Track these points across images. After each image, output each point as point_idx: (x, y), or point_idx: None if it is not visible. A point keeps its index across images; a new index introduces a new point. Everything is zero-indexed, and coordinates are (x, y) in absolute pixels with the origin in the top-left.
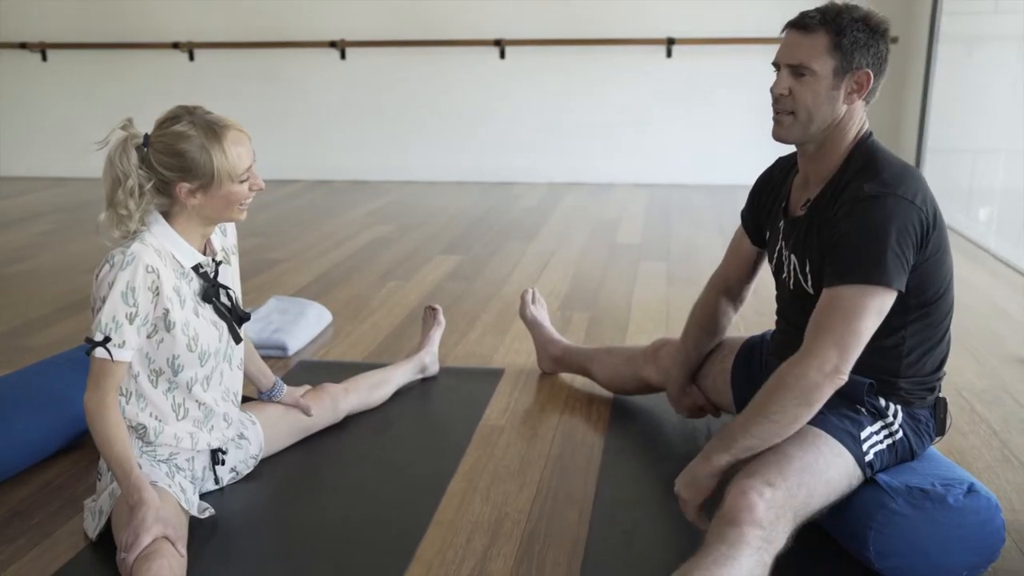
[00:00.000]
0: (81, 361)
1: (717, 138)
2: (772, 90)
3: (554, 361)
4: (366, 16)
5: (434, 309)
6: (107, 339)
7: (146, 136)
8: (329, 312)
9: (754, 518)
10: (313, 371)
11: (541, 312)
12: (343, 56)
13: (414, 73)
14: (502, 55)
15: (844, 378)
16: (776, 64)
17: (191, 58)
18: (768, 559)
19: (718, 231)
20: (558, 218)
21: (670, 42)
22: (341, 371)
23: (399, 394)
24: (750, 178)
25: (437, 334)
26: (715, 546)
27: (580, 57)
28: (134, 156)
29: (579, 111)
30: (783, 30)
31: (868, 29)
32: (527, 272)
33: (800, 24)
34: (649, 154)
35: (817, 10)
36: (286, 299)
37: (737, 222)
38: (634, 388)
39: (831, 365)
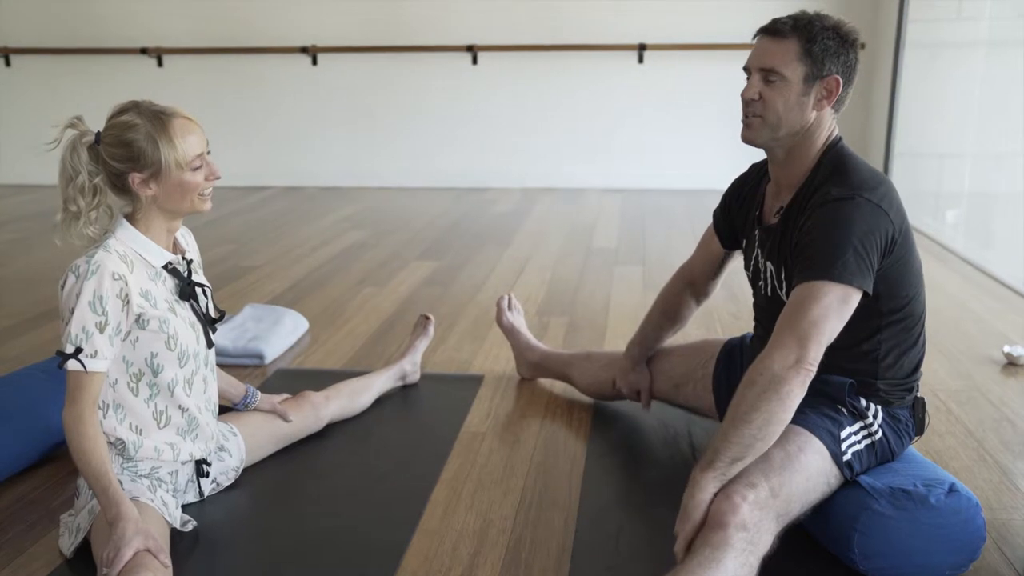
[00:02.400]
0: (54, 372)
1: (689, 143)
2: (743, 94)
3: (533, 367)
4: (337, 22)
5: (427, 318)
6: (78, 350)
7: (97, 133)
8: (305, 319)
9: (738, 520)
10: (291, 379)
11: (518, 318)
12: (314, 62)
13: (386, 79)
14: (474, 61)
15: (810, 369)
16: (747, 69)
17: (159, 64)
18: (754, 561)
19: (692, 235)
20: (533, 223)
21: (642, 48)
22: (319, 379)
23: (380, 401)
24: (722, 182)
25: (423, 344)
26: (700, 550)
27: (552, 63)
28: (84, 154)
29: (552, 117)
30: (755, 36)
31: (839, 37)
32: (503, 278)
33: (772, 30)
34: (621, 159)
35: (789, 17)
36: (261, 307)
37: (706, 226)
38: (613, 394)
39: (793, 356)
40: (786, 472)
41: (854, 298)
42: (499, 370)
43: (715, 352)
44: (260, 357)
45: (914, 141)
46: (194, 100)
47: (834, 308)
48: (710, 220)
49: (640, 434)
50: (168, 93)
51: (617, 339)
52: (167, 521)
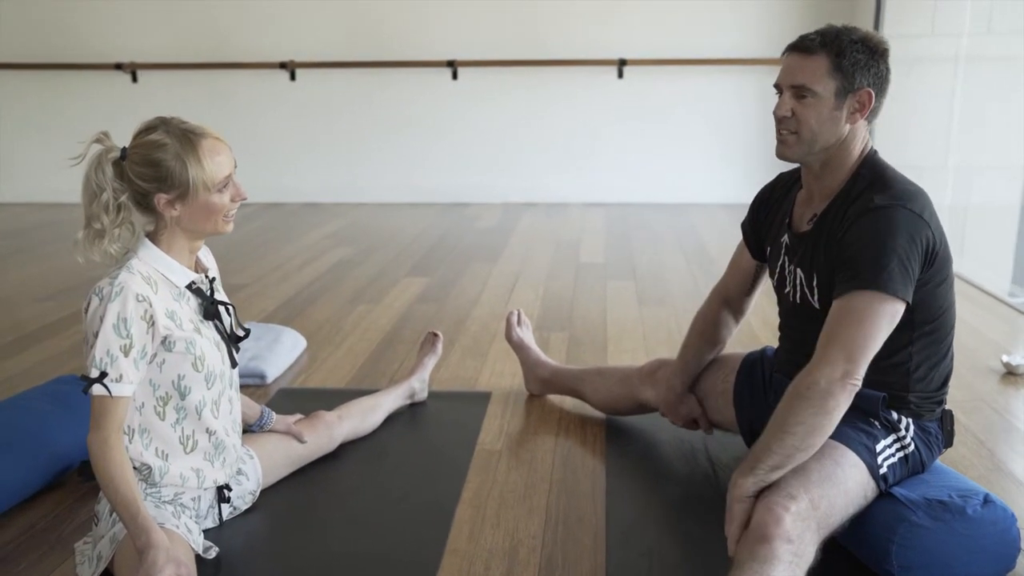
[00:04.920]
0: (57, 395)
1: (668, 158)
2: (775, 112)
3: (542, 383)
4: (316, 37)
5: (435, 336)
6: (103, 374)
7: (123, 149)
8: (303, 338)
9: (783, 532)
10: (295, 399)
11: (527, 334)
12: (293, 77)
13: (366, 94)
14: (455, 76)
15: (856, 383)
16: (778, 86)
17: (134, 79)
18: (801, 574)
19: (679, 249)
20: (518, 238)
21: (622, 63)
22: (324, 398)
23: (390, 420)
24: (701, 196)
25: (431, 362)
26: (748, 564)
27: (532, 78)
28: (109, 170)
29: (532, 132)
30: (783, 53)
31: (868, 50)
32: (496, 293)
33: (801, 47)
34: (602, 173)
35: (817, 32)
36: (258, 325)
37: (693, 240)
38: (628, 409)
39: (840, 370)
40: (825, 485)
41: (900, 309)
42: (506, 386)
43: (735, 367)
44: (262, 376)
45: (892, 155)
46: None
47: (883, 321)
48: (693, 235)
49: (657, 450)
50: (143, 109)
51: (620, 354)
52: (192, 548)
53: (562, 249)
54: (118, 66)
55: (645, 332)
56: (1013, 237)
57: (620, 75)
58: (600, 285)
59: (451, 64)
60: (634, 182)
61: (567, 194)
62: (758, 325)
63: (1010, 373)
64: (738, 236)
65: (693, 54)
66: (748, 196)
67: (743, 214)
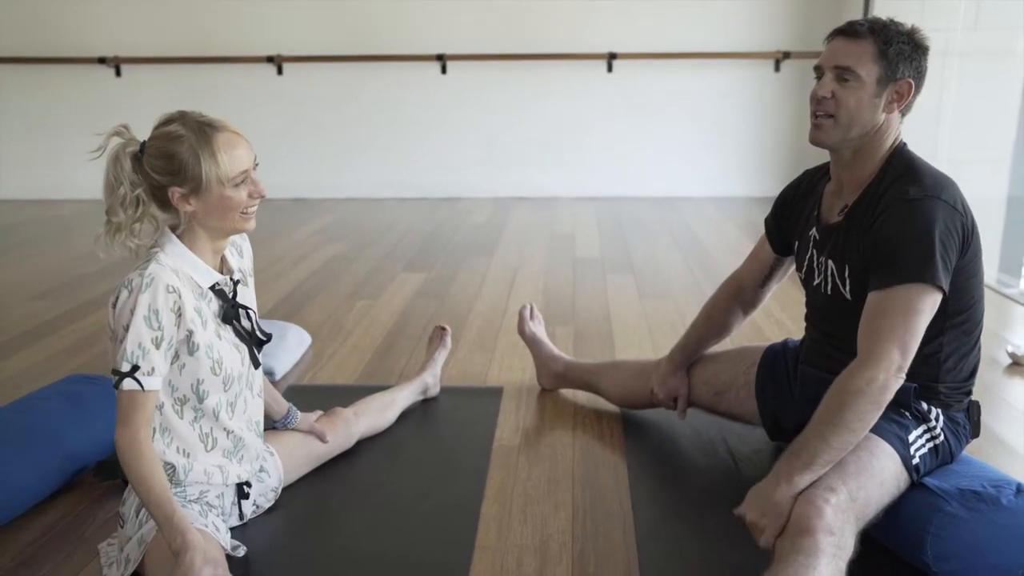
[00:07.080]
0: (68, 394)
1: (658, 151)
2: (816, 92)
3: (556, 377)
4: (304, 30)
5: (443, 329)
6: (135, 368)
7: (142, 143)
8: (308, 334)
9: (824, 524)
10: (305, 396)
11: (539, 328)
12: (280, 71)
13: (354, 89)
14: (444, 70)
15: (904, 376)
16: (818, 68)
17: (118, 74)
18: (843, 565)
19: (673, 243)
20: (511, 233)
21: (611, 57)
22: (334, 395)
23: (405, 416)
24: (689, 190)
25: (442, 356)
26: (792, 557)
27: (522, 72)
28: (127, 163)
29: (522, 126)
30: (828, 38)
31: (912, 43)
32: (496, 288)
33: (848, 31)
34: (592, 168)
35: (865, 20)
36: (263, 322)
37: (686, 233)
38: (644, 403)
39: (896, 365)
40: (862, 477)
41: (939, 299)
42: (516, 380)
43: (756, 359)
44: (271, 373)
45: None
46: (155, 112)
47: (927, 313)
48: (684, 229)
49: (676, 443)
50: (127, 104)
51: (627, 347)
52: (222, 547)
53: (556, 243)
54: (101, 60)
55: (650, 326)
56: (1000, 228)
57: (610, 69)
58: (599, 279)
59: (440, 58)
60: (624, 176)
61: (557, 188)
62: (760, 317)
63: (1016, 363)
64: (730, 230)
65: (683, 48)
66: (738, 190)
67: (733, 207)
